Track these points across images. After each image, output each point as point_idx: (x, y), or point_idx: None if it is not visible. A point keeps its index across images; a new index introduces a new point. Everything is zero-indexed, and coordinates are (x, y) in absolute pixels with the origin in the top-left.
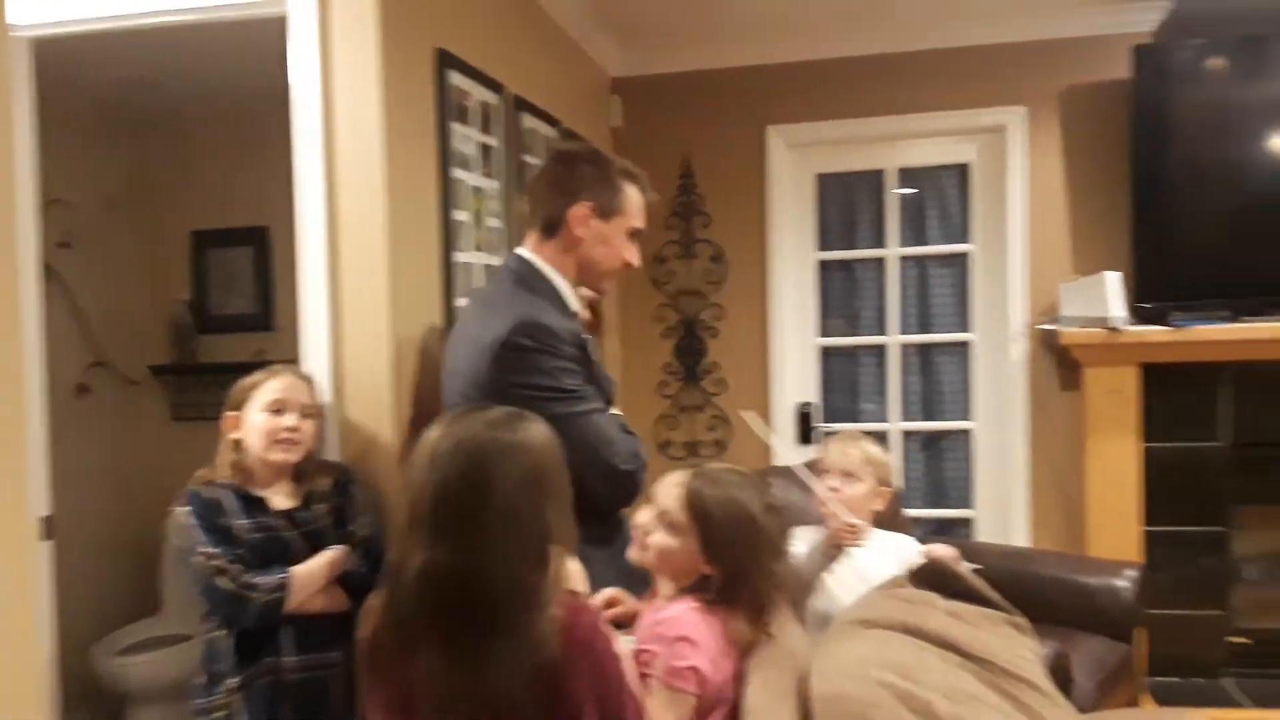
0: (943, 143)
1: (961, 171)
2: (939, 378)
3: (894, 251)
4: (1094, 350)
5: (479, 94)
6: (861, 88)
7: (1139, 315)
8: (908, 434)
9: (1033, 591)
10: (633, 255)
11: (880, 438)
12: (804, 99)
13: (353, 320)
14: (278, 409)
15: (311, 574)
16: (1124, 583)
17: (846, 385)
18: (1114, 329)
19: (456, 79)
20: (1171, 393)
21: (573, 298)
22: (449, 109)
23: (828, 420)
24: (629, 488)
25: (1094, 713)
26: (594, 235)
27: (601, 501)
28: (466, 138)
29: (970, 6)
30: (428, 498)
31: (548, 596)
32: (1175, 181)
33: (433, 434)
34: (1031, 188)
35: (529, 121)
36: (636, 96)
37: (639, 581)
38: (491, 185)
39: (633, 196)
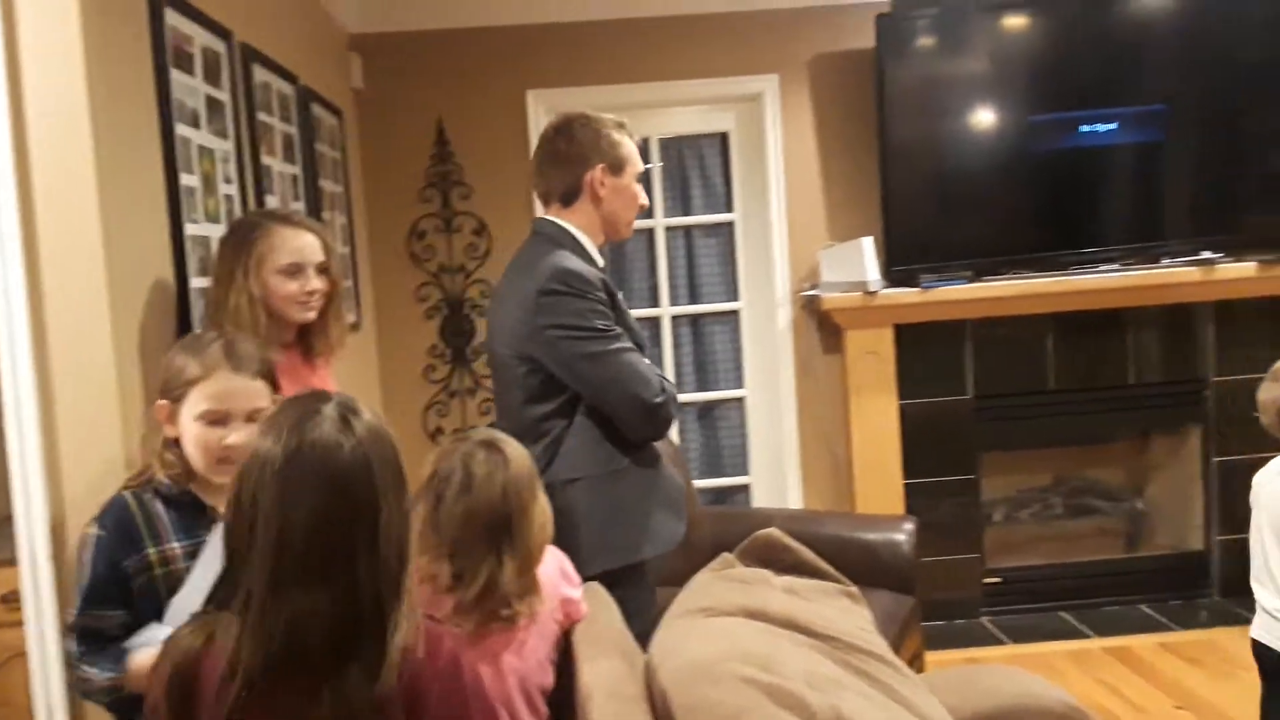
0: (703, 111)
1: (722, 140)
2: (711, 348)
3: (661, 222)
4: (852, 313)
5: (203, 39)
6: (621, 53)
7: (891, 278)
8: (684, 405)
9: (820, 553)
10: (643, 196)
11: None
12: (564, 63)
13: (60, 317)
14: (216, 420)
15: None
16: (903, 536)
17: None
18: (870, 292)
19: (175, 19)
20: (923, 350)
21: (596, 253)
22: (167, 54)
23: None
24: (660, 419)
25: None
26: (611, 191)
27: (634, 433)
28: (192, 90)
29: None
30: (297, 531)
31: (401, 621)
32: (918, 148)
33: (266, 447)
34: (787, 156)
35: (263, 75)
36: (380, 55)
37: (675, 507)
38: (223, 146)
39: (628, 144)
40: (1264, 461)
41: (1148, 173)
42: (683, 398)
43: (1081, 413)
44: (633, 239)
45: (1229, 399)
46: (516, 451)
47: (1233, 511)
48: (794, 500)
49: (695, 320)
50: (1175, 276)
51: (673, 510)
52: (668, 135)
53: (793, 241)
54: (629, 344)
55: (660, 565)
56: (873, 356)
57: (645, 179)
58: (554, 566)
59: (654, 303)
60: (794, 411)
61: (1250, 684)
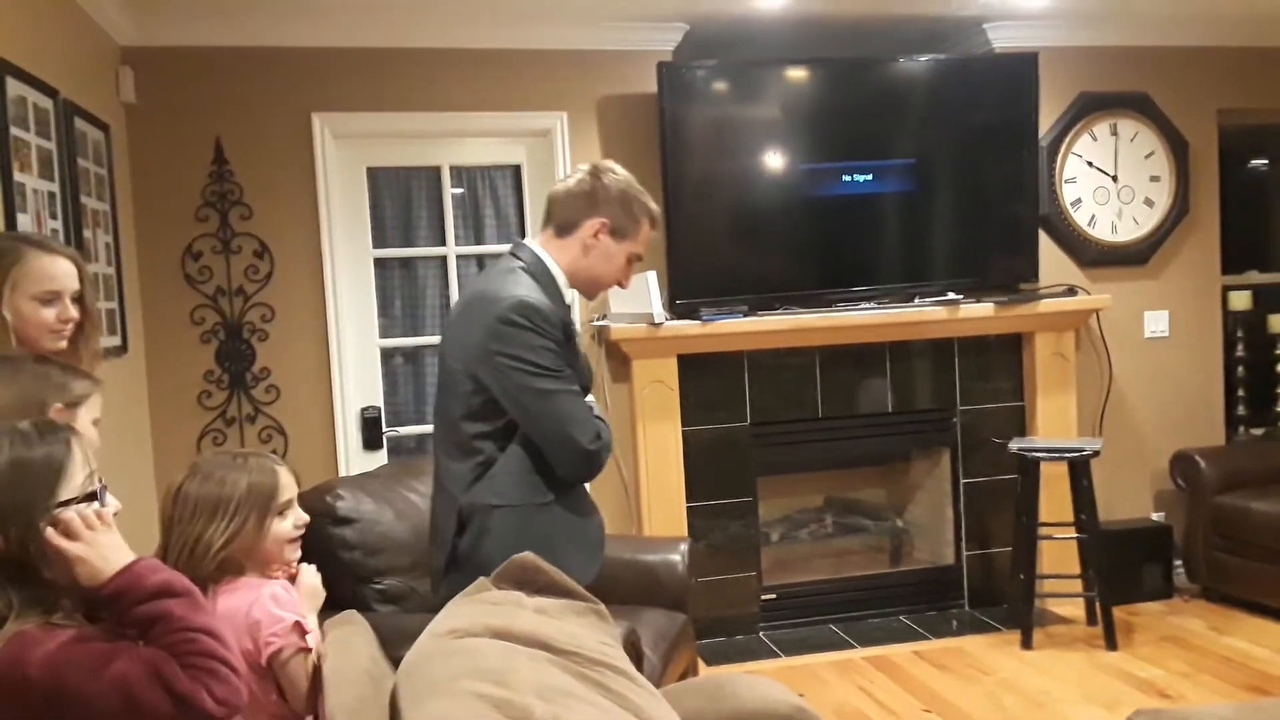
0: (494, 143)
1: (515, 172)
2: None
3: (453, 250)
4: (639, 344)
5: None
6: (413, 81)
7: (675, 311)
8: None
9: (602, 575)
10: (625, 277)
11: None
12: (353, 88)
13: None
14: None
15: None
16: (677, 556)
17: (412, 387)
18: (655, 324)
19: None
20: (704, 380)
21: (567, 291)
22: None
23: (394, 425)
24: (592, 465)
25: (671, 686)
26: (602, 250)
27: (563, 472)
28: None
29: (516, 10)
30: None
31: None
32: (700, 189)
33: None
34: None
35: (17, 88)
36: (154, 69)
37: (591, 549)
38: None
39: (645, 229)
40: (1001, 483)
41: (901, 220)
42: None
43: (848, 438)
44: (425, 266)
45: (973, 426)
46: (260, 465)
47: (978, 528)
48: None
49: None
50: (926, 315)
51: (588, 552)
52: (461, 164)
53: None
54: (574, 387)
55: None
56: (658, 385)
57: (637, 261)
58: (253, 596)
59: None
60: None
61: (989, 686)
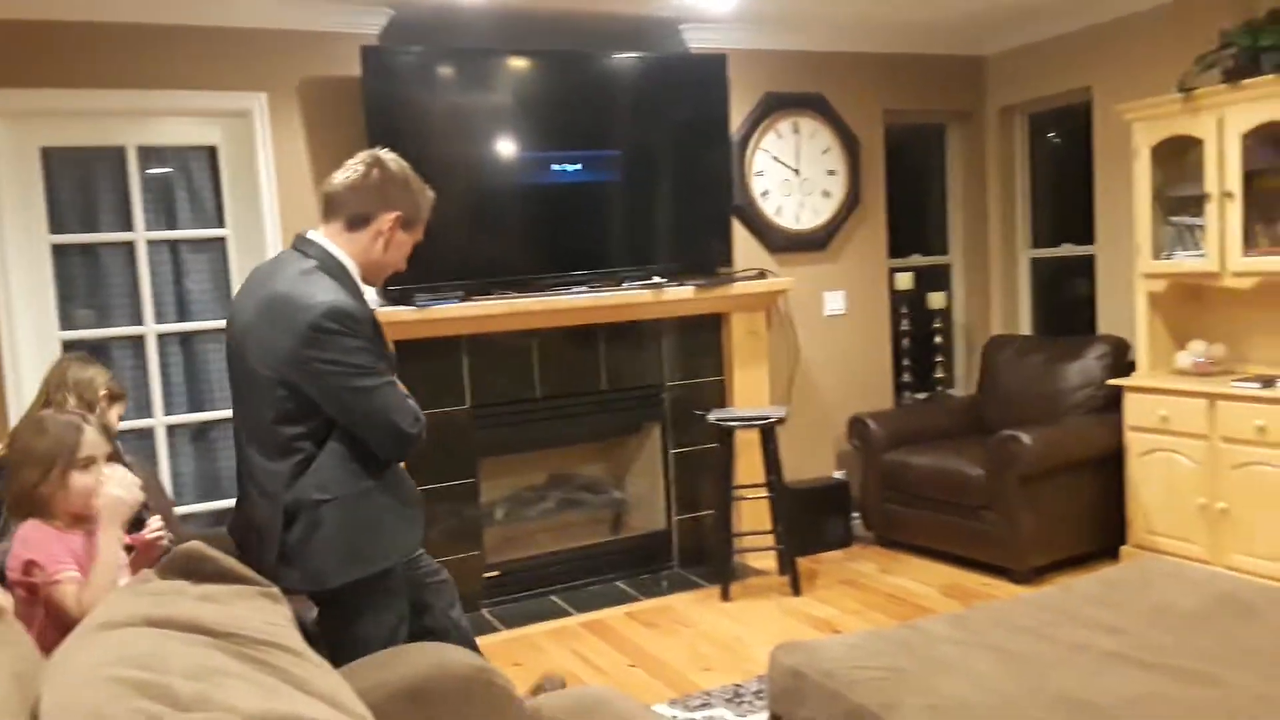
0: (188, 123)
1: (211, 154)
2: (205, 367)
3: (142, 235)
4: None
5: None
6: (94, 56)
7: (388, 297)
8: (174, 428)
9: None
10: (405, 262)
11: (145, 435)
12: (21, 62)
13: None
14: None
15: None
16: None
17: None
18: None
19: None
20: (423, 365)
21: (361, 283)
22: None
23: None
24: (409, 444)
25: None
26: (394, 242)
27: (386, 455)
28: None
29: None
30: None
31: None
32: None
33: None
34: (280, 174)
35: None
36: None
37: (414, 517)
38: None
39: (427, 211)
40: (706, 451)
41: (610, 208)
42: (174, 420)
43: (567, 416)
44: (111, 253)
45: (680, 400)
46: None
47: (687, 494)
48: None
49: (186, 338)
50: (634, 298)
51: (412, 520)
52: (149, 145)
53: None
54: (391, 377)
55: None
56: None
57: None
58: (20, 535)
59: (137, 320)
60: None
61: (689, 637)
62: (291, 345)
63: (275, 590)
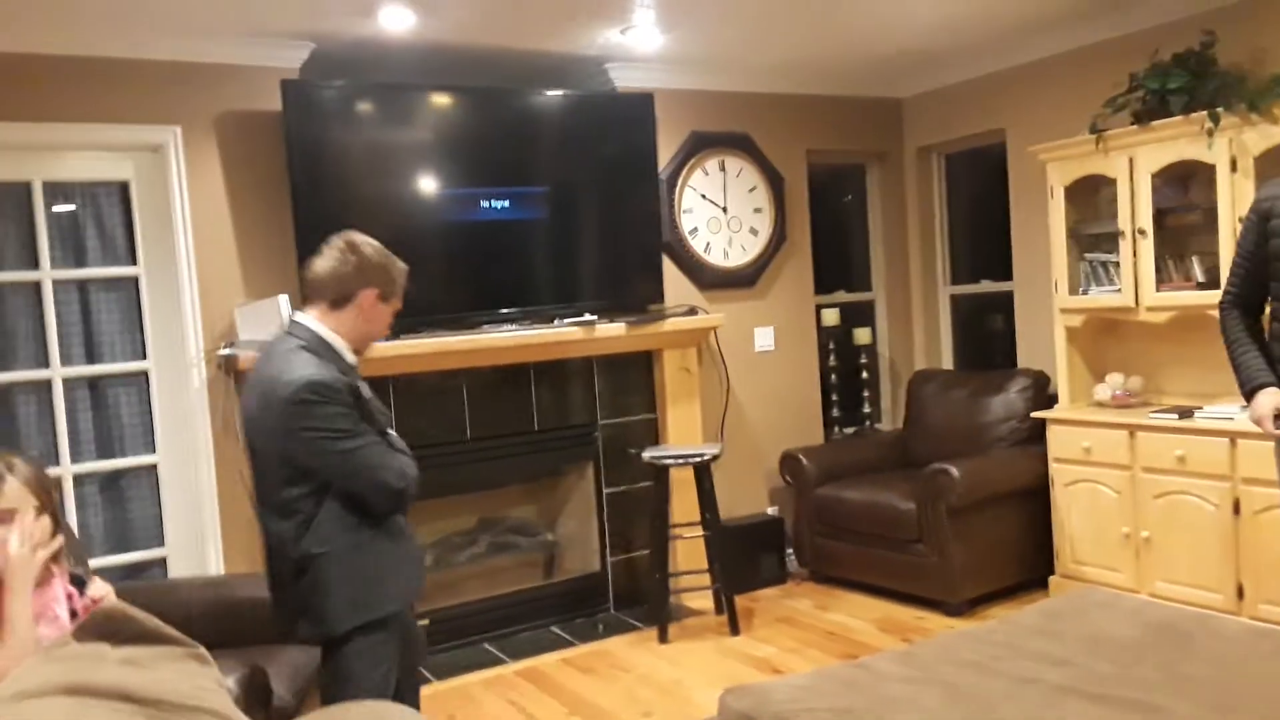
0: (98, 157)
1: (123, 190)
2: (115, 411)
3: (49, 274)
4: None
5: None
6: None
7: None
8: (82, 477)
9: (231, 616)
10: (389, 327)
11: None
12: None
13: None
14: None
15: None
16: None
17: (2, 428)
18: None
19: None
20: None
21: (349, 353)
22: None
23: None
24: (399, 498)
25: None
26: (375, 314)
27: (378, 510)
28: None
29: (120, 16)
30: None
31: None
32: (333, 211)
33: None
34: (196, 211)
35: None
36: None
37: (415, 567)
38: None
39: (401, 282)
40: (640, 490)
41: (539, 245)
42: (83, 469)
43: (496, 458)
44: (14, 293)
45: (613, 438)
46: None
47: (621, 535)
48: (214, 566)
49: (94, 382)
50: (565, 335)
51: (411, 568)
52: (56, 180)
53: (206, 298)
54: (373, 438)
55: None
56: None
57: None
58: None
59: (44, 363)
60: (213, 474)
61: (627, 682)
62: (277, 420)
63: (202, 651)
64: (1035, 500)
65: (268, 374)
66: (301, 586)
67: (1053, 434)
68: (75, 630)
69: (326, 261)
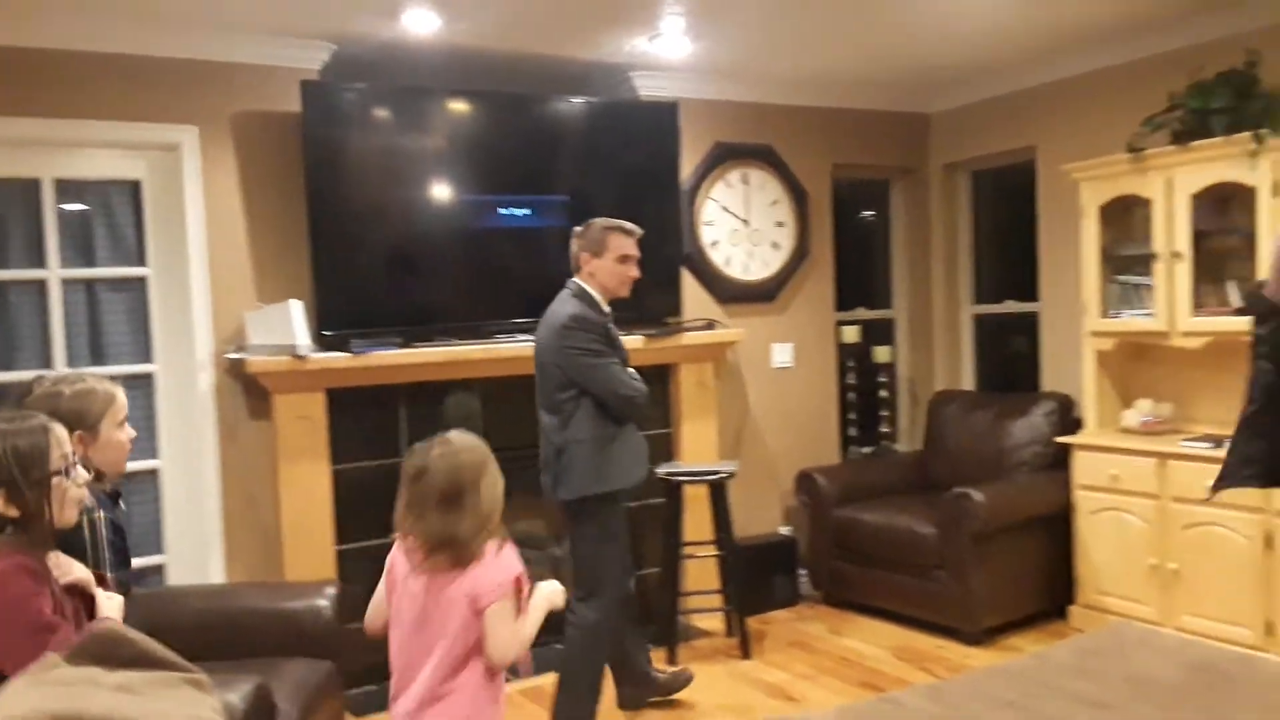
0: (109, 155)
1: (134, 189)
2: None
3: (56, 273)
4: (282, 378)
5: None
6: (8, 81)
7: (322, 343)
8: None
9: (233, 627)
10: (630, 270)
11: None
12: None
13: None
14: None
15: None
16: (324, 601)
17: None
18: (300, 356)
19: None
20: (356, 414)
21: (603, 301)
22: None
23: None
24: (633, 405)
25: None
26: (595, 267)
27: (615, 412)
28: None
29: (137, 11)
30: None
31: None
32: (349, 216)
33: None
34: (209, 212)
35: None
36: None
37: (641, 460)
38: None
39: (613, 240)
40: (653, 506)
41: (559, 254)
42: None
43: (507, 469)
44: (20, 291)
45: None
46: (465, 443)
47: (632, 551)
48: (216, 575)
49: None
50: None
51: (640, 462)
52: (67, 178)
53: (216, 301)
54: (615, 360)
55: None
56: (305, 421)
57: (629, 260)
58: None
59: (46, 363)
60: (217, 481)
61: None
62: (554, 340)
63: (202, 676)
64: (1057, 527)
65: (552, 311)
66: (560, 464)
67: (1078, 460)
68: (69, 653)
69: (574, 240)
